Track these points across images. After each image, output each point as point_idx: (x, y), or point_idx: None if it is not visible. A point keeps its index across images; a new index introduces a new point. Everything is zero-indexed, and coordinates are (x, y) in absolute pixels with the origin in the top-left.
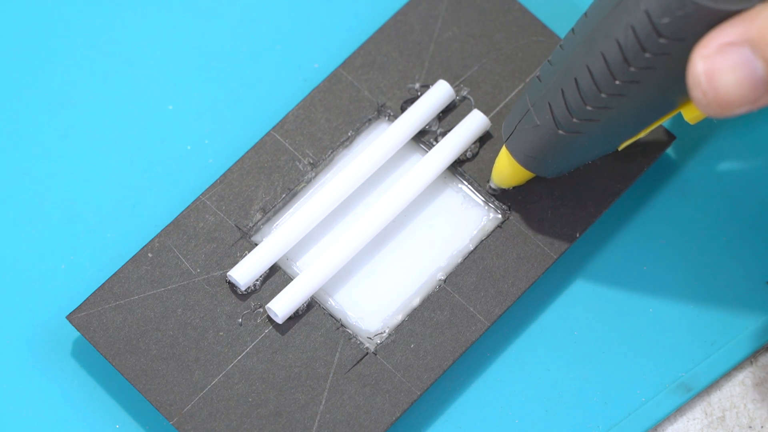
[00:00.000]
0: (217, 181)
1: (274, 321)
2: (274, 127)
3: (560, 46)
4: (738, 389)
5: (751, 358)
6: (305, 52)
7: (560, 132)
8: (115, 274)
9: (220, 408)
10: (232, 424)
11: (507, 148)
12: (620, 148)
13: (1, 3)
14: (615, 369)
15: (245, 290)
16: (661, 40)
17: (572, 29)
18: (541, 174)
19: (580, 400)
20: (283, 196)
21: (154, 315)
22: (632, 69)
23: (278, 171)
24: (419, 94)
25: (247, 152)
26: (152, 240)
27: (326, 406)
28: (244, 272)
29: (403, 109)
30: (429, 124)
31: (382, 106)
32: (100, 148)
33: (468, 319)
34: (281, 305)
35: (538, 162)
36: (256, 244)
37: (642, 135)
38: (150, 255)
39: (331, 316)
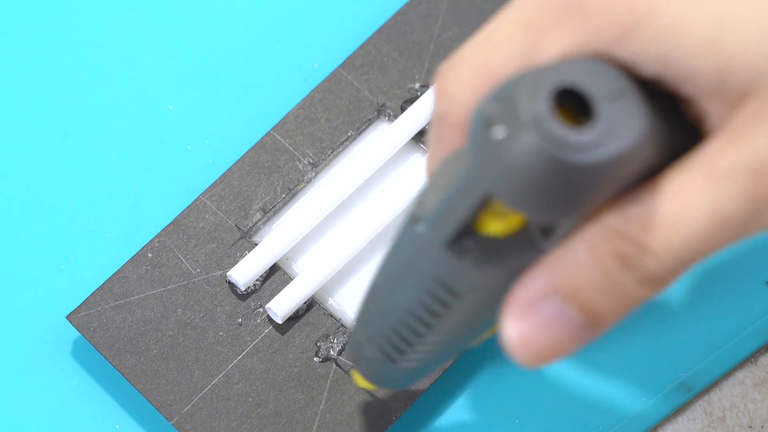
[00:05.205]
0: (217, 181)
1: (274, 321)
2: (274, 127)
3: (372, 289)
4: (738, 389)
5: (751, 358)
6: (305, 52)
7: (395, 365)
8: (115, 274)
9: (220, 408)
10: (232, 424)
11: (359, 372)
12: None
13: (1, 3)
14: (615, 369)
15: (245, 290)
16: (461, 296)
17: (375, 280)
18: (397, 388)
19: (580, 400)
20: (283, 196)
21: (154, 315)
22: (441, 323)
23: (278, 171)
24: (419, 94)
25: (247, 152)
26: (152, 240)
27: (326, 406)
28: (244, 272)
29: (403, 109)
30: (429, 124)
31: (382, 106)
32: (100, 148)
33: None
34: (281, 305)
35: (387, 383)
36: (256, 244)
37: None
38: (150, 255)
39: (331, 316)
